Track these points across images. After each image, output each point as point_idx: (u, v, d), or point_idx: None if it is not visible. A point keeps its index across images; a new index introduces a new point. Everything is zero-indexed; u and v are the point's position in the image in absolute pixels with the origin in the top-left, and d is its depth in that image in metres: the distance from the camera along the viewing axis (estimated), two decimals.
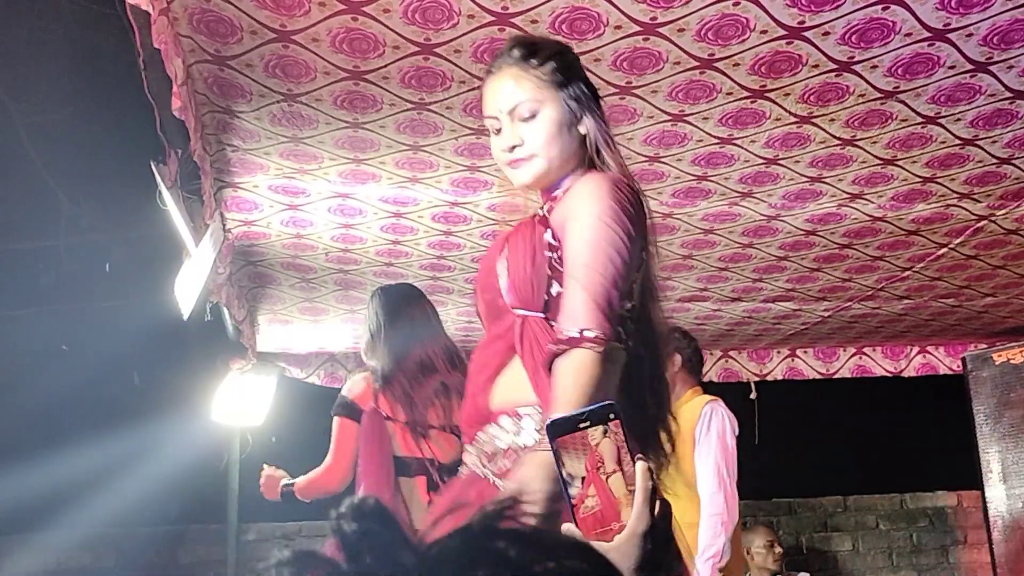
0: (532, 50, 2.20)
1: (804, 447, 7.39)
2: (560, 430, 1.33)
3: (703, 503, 4.43)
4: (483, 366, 2.19)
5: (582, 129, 2.20)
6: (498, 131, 2.23)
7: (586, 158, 2.22)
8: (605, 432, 1.32)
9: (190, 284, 3.88)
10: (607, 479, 1.33)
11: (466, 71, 3.06)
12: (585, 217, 2.04)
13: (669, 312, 5.93)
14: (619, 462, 1.33)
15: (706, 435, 4.54)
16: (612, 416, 1.34)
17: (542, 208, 2.22)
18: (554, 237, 2.11)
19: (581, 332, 1.89)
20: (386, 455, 3.92)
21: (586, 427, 1.33)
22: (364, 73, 3.08)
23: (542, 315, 2.08)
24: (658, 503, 1.35)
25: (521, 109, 2.17)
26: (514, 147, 2.19)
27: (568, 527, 1.33)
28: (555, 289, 2.06)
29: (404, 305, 4.12)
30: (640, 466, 1.34)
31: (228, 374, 6.17)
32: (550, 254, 2.09)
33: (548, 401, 1.93)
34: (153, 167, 3.46)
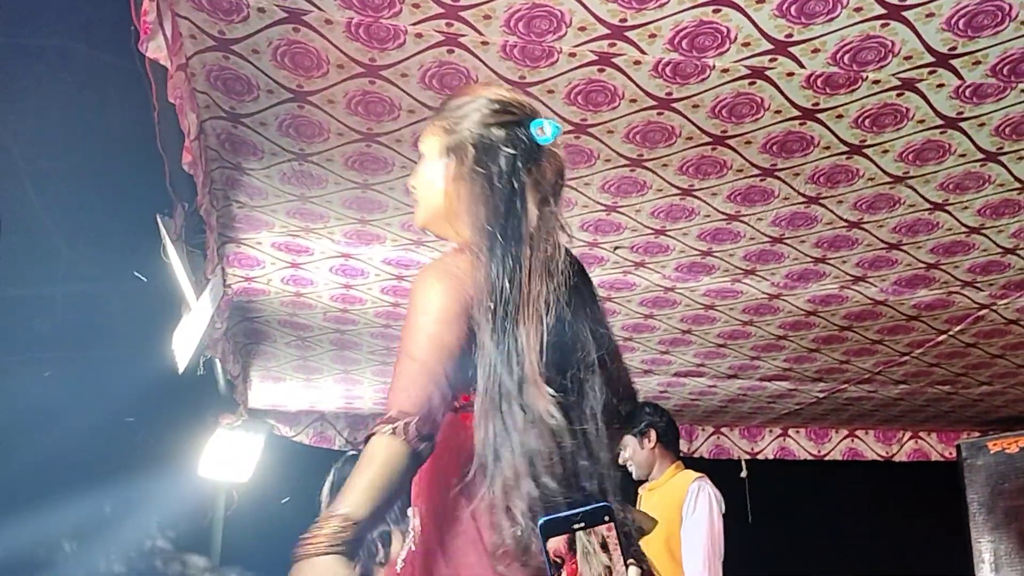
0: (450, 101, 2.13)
1: (794, 528, 7.34)
2: (553, 530, 1.30)
3: None
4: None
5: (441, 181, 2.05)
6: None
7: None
8: (599, 534, 1.30)
9: (188, 338, 3.86)
10: None
11: None
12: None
13: (665, 386, 5.91)
14: (611, 566, 1.31)
15: (692, 514, 4.47)
16: (607, 518, 1.31)
17: None
18: None
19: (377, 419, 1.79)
20: None
21: (579, 528, 1.30)
22: (377, 135, 3.08)
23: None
24: None
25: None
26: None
27: None
28: None
29: None
30: (633, 571, 1.31)
31: (217, 429, 6.12)
32: None
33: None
34: (159, 220, 3.45)
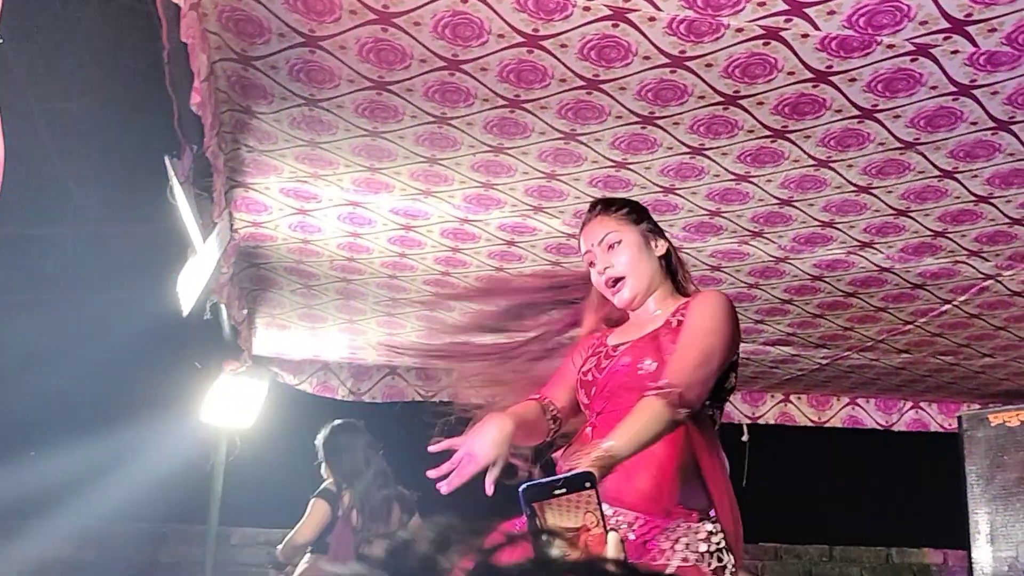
0: (610, 201, 2.88)
1: (793, 493, 7.37)
2: (534, 494, 1.31)
3: None
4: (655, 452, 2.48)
5: (659, 251, 2.81)
6: (591, 263, 2.84)
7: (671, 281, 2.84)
8: (579, 500, 1.31)
9: (193, 281, 3.87)
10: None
11: (491, 89, 3.06)
12: (707, 313, 2.62)
13: None
14: (589, 530, 1.31)
15: None
16: (588, 485, 1.32)
17: (674, 316, 2.70)
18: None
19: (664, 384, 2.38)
20: None
21: (561, 494, 1.31)
22: (388, 84, 3.07)
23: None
24: None
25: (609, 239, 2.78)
26: (605, 269, 2.79)
27: None
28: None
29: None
30: (612, 536, 1.32)
31: (221, 375, 6.14)
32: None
33: None
34: (167, 161, 3.45)
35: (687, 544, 2.42)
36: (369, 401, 6.86)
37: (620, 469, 2.23)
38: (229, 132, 3.49)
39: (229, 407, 6.25)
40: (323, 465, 5.67)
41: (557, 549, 1.29)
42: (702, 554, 2.42)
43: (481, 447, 2.37)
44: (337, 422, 5.72)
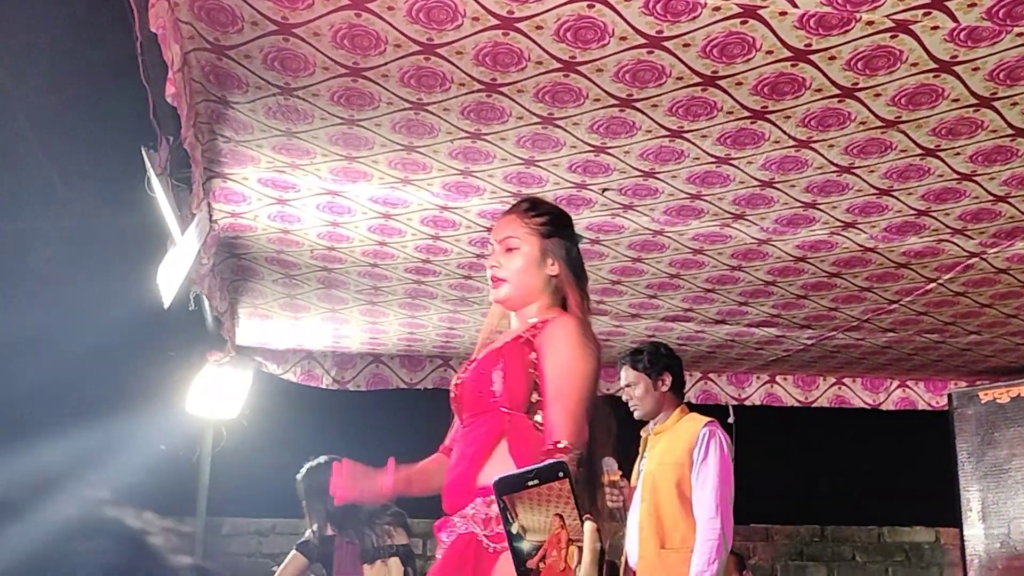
0: (533, 204, 2.92)
1: (782, 474, 7.38)
2: (508, 487, 1.30)
3: (699, 528, 4.37)
4: (472, 449, 2.70)
5: (551, 271, 2.83)
6: (489, 254, 2.94)
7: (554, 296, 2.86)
8: (551, 491, 1.30)
9: (173, 273, 3.84)
10: (558, 537, 1.29)
11: (467, 74, 3.03)
12: (562, 351, 2.66)
13: (652, 331, 5.91)
14: (564, 521, 1.30)
15: (703, 461, 4.47)
16: (560, 475, 1.31)
17: (526, 333, 2.76)
18: (537, 358, 2.69)
19: (555, 444, 2.48)
20: None
21: (534, 485, 1.30)
22: (363, 70, 3.04)
23: (524, 414, 2.67)
24: (605, 565, 1.32)
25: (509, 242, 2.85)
26: (492, 267, 2.88)
27: None
28: (534, 397, 2.67)
29: None
30: (588, 526, 1.30)
31: (205, 366, 6.12)
32: (532, 371, 2.68)
33: None
34: (144, 152, 3.41)
35: (473, 515, 2.59)
36: (354, 389, 6.85)
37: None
38: (205, 123, 3.45)
39: (214, 398, 6.22)
40: (306, 511, 5.34)
41: (529, 544, 1.28)
42: (483, 521, 2.56)
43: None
44: (321, 460, 5.30)
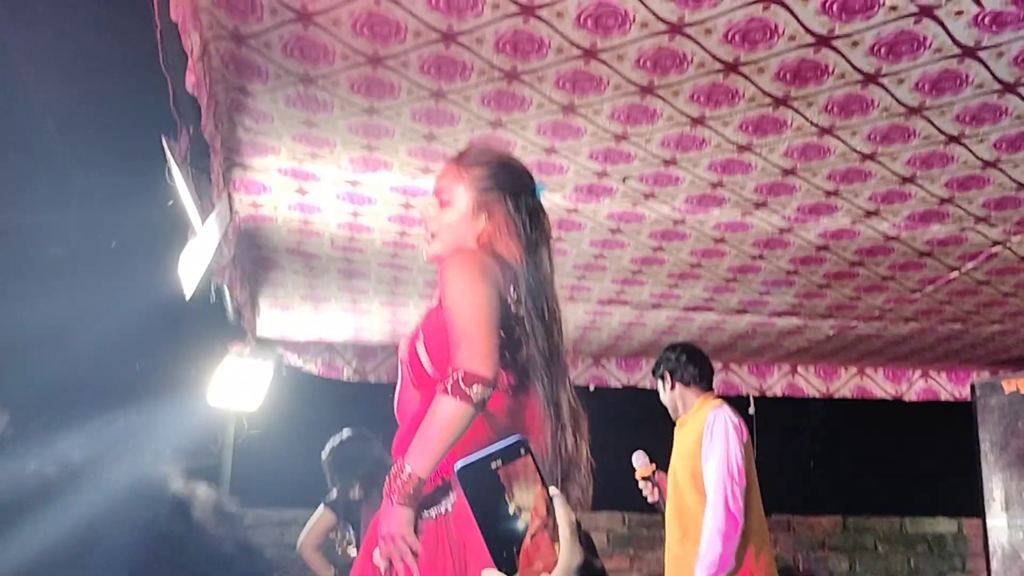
0: (472, 155, 2.77)
1: (804, 465, 7.36)
2: (471, 473, 1.27)
3: (706, 513, 4.39)
4: (410, 414, 2.63)
5: (482, 226, 2.68)
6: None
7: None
8: (518, 468, 1.28)
9: (194, 263, 3.84)
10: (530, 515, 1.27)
11: (487, 61, 3.02)
12: (449, 286, 2.55)
13: (673, 321, 5.90)
14: (536, 497, 1.28)
15: (710, 444, 4.50)
16: (523, 452, 1.29)
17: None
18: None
19: (453, 370, 2.42)
20: None
21: (498, 466, 1.27)
22: (383, 59, 3.03)
23: None
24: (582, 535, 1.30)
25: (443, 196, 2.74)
26: (428, 221, 2.79)
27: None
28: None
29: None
30: (559, 500, 1.28)
31: (226, 357, 6.13)
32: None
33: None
34: (164, 142, 3.41)
35: (391, 478, 2.48)
36: (375, 381, 6.85)
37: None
38: (225, 112, 3.45)
39: (236, 390, 6.24)
40: (332, 482, 5.55)
41: (523, 523, 1.26)
42: (390, 482, 2.46)
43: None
44: (344, 435, 5.62)
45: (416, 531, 2.49)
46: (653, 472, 4.68)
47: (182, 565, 0.54)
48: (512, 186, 2.72)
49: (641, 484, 4.72)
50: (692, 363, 4.76)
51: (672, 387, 4.76)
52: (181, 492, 0.59)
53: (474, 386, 2.38)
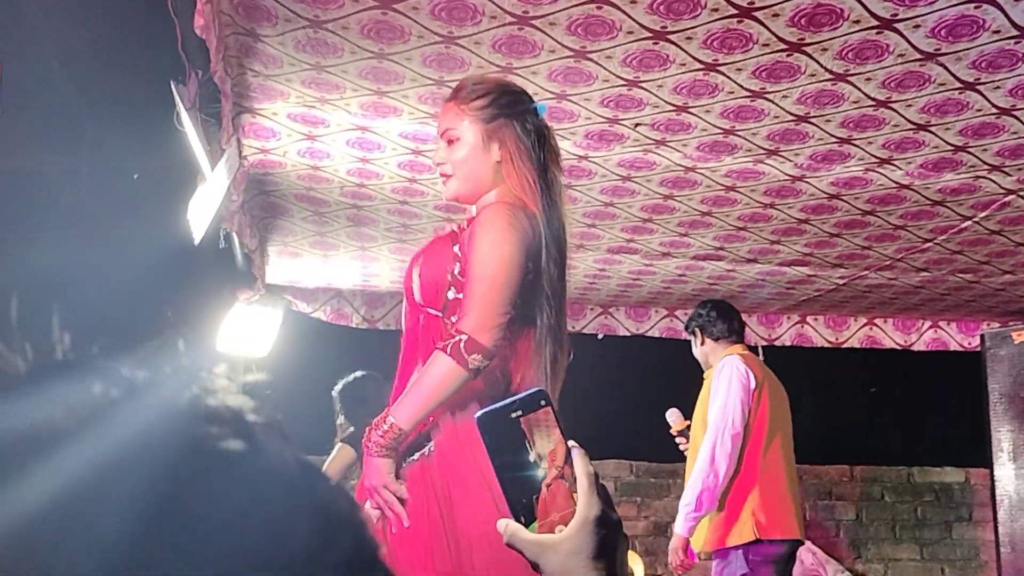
0: (471, 88, 2.72)
1: (812, 414, 7.36)
2: (491, 422, 1.28)
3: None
4: (409, 353, 2.69)
5: (497, 156, 2.65)
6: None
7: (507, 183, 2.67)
8: (538, 419, 1.28)
9: (203, 209, 3.83)
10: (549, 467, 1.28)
11: (498, 5, 2.99)
12: (482, 238, 2.54)
13: (683, 270, 5.89)
14: (553, 448, 1.28)
15: (714, 391, 4.60)
16: (543, 403, 1.28)
17: (459, 225, 2.72)
18: (460, 250, 2.60)
19: (456, 330, 2.46)
20: None
21: (518, 416, 1.28)
22: (393, 2, 3.00)
23: (440, 314, 2.59)
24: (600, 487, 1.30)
25: (449, 134, 2.69)
26: (439, 164, 2.74)
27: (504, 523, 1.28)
28: (451, 294, 2.58)
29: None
30: (577, 451, 1.28)
31: (235, 304, 6.13)
32: (453, 264, 2.59)
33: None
34: (172, 86, 3.39)
35: (370, 430, 2.52)
36: (384, 328, 6.85)
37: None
38: (234, 56, 3.43)
39: (244, 336, 6.24)
40: (341, 417, 5.60)
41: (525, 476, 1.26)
42: (369, 433, 2.52)
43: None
44: (358, 374, 5.65)
45: (400, 477, 2.54)
46: (687, 427, 4.83)
47: (243, 477, 0.55)
48: (516, 110, 2.70)
49: (677, 440, 4.89)
50: (721, 319, 4.90)
51: (702, 343, 4.94)
52: (240, 409, 0.59)
53: (475, 355, 2.42)
